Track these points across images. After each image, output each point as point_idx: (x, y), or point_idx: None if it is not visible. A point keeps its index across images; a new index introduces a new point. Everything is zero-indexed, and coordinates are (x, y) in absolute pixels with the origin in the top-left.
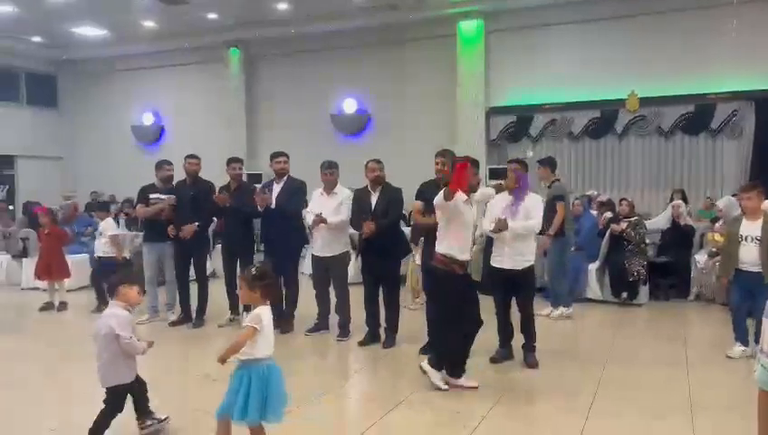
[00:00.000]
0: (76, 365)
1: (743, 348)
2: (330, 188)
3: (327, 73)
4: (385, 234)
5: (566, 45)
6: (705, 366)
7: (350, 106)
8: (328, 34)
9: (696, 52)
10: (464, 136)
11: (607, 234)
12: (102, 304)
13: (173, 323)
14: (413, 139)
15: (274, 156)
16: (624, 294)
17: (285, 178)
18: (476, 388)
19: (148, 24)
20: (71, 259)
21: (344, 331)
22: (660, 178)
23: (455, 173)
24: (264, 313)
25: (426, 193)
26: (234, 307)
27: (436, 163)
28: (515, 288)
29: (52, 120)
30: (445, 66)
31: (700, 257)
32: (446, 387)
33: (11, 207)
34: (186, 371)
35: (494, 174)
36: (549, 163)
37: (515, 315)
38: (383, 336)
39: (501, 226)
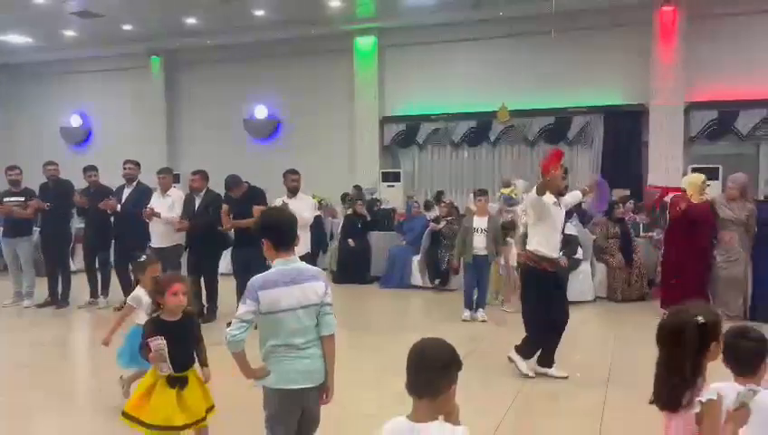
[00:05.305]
0: None
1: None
2: (164, 189)
3: (240, 81)
4: (202, 231)
5: (449, 61)
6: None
7: (261, 112)
8: (240, 45)
9: (557, 70)
10: (361, 141)
11: (427, 231)
12: None
13: (40, 305)
14: (318, 143)
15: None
16: (437, 281)
17: (135, 183)
18: (566, 377)
19: (69, 33)
20: None
21: None
22: (530, 181)
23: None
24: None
25: (229, 200)
26: (93, 292)
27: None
28: None
29: None
30: (344, 77)
31: None
32: (533, 375)
33: None
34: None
35: (386, 177)
36: None
37: None
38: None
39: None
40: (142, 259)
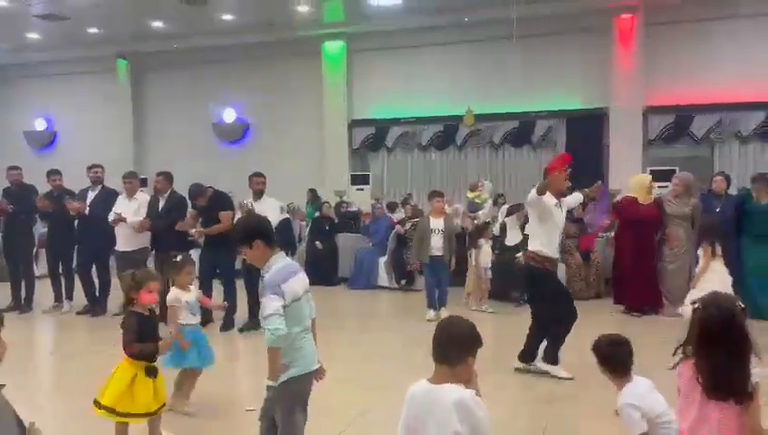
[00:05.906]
0: None
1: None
2: (130, 193)
3: (209, 84)
4: (164, 233)
5: (416, 66)
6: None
7: (229, 115)
8: (208, 49)
9: (521, 75)
10: (330, 144)
11: (392, 233)
12: None
13: (3, 310)
14: (287, 146)
15: (90, 166)
16: (403, 281)
17: (100, 186)
18: (572, 378)
19: (33, 36)
20: None
21: None
22: (496, 185)
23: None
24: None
25: (196, 208)
26: (57, 296)
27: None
28: None
29: None
30: (313, 81)
31: None
32: (571, 376)
33: None
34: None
35: (355, 180)
36: None
37: None
38: None
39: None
40: (178, 259)
